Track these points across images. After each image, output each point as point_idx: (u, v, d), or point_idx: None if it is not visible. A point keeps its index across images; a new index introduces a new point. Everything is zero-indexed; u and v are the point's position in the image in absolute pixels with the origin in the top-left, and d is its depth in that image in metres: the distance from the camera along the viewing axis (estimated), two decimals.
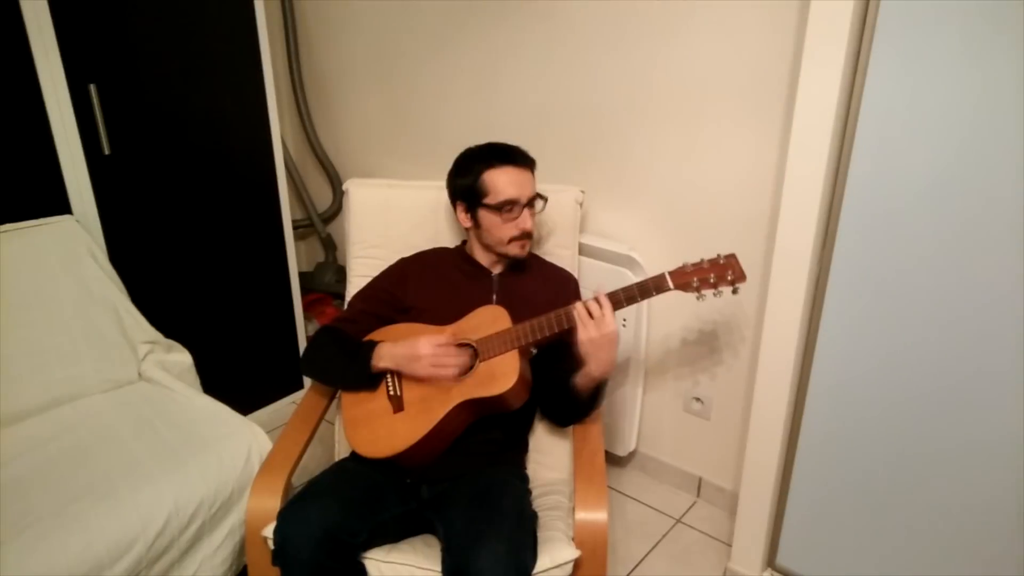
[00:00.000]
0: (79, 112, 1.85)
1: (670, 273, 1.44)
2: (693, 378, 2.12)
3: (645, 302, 2.04)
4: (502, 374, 1.45)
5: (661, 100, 1.91)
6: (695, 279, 1.43)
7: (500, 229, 1.58)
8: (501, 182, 1.56)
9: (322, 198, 3.00)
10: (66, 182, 1.87)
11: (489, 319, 1.52)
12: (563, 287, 1.69)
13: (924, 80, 1.32)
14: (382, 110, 2.62)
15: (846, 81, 1.39)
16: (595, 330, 1.40)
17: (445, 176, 1.69)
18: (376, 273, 1.72)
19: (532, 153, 1.63)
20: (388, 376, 1.53)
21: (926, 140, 1.34)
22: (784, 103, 1.70)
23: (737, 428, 2.06)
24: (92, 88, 1.87)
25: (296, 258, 2.50)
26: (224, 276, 2.31)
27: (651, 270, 2.04)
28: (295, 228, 2.57)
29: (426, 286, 1.64)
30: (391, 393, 1.52)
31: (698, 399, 2.12)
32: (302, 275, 2.62)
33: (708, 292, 1.44)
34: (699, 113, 1.85)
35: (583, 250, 2.01)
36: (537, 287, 1.66)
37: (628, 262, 1.99)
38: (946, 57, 1.28)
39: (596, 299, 1.42)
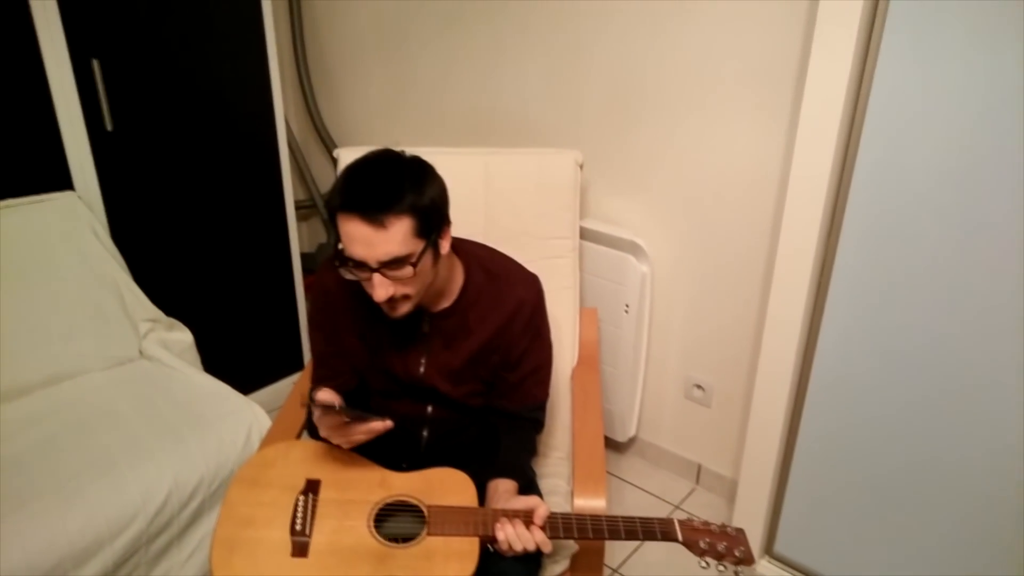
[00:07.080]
0: (82, 87, 1.84)
1: (680, 522, 1.18)
2: (694, 365, 2.11)
3: (648, 286, 2.03)
4: (456, 556, 1.13)
5: (669, 86, 1.89)
6: (706, 540, 1.16)
7: (366, 285, 1.15)
8: (346, 232, 1.10)
9: (325, 178, 2.99)
10: (68, 158, 1.86)
11: (447, 485, 1.23)
12: (517, 311, 1.31)
13: (934, 71, 1.30)
14: (386, 89, 2.60)
15: (855, 71, 1.37)
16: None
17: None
18: None
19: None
20: (301, 501, 1.19)
21: (935, 131, 1.33)
22: (793, 92, 1.69)
23: (737, 416, 2.06)
24: (95, 63, 1.85)
25: (298, 238, 2.50)
26: (226, 255, 2.30)
27: (655, 257, 2.04)
28: (297, 208, 2.56)
29: (357, 313, 1.32)
30: (297, 528, 1.15)
31: (699, 386, 2.11)
32: (304, 255, 2.61)
33: (713, 562, 1.17)
34: (708, 100, 1.83)
35: (586, 235, 2.00)
36: (484, 312, 1.31)
37: (632, 248, 1.98)
38: (956, 48, 1.27)
39: (512, 541, 1.11)
